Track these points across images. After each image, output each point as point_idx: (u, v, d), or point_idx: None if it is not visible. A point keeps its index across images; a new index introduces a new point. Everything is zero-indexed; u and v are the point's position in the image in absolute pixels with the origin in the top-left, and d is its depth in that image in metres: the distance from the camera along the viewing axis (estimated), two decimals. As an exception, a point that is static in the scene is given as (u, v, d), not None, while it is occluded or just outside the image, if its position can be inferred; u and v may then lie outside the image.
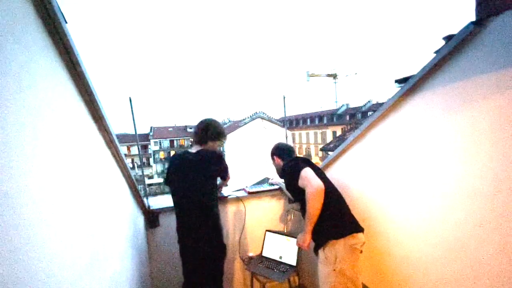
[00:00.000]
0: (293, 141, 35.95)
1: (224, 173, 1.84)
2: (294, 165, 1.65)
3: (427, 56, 1.21)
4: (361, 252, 1.49)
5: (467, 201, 1.12)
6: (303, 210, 1.65)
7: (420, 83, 1.26)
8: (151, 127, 37.70)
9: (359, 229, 1.52)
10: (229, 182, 2.02)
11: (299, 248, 1.95)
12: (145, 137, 36.48)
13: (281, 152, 1.93)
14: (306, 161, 1.72)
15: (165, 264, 2.05)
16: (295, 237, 2.02)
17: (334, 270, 1.45)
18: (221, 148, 1.97)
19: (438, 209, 1.26)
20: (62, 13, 0.79)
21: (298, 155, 1.98)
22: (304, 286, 2.40)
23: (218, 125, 1.84)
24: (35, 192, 0.63)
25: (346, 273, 1.44)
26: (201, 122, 1.83)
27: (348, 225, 1.52)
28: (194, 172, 1.69)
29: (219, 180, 1.89)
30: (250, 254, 2.25)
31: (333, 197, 1.58)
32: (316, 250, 1.58)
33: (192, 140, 1.88)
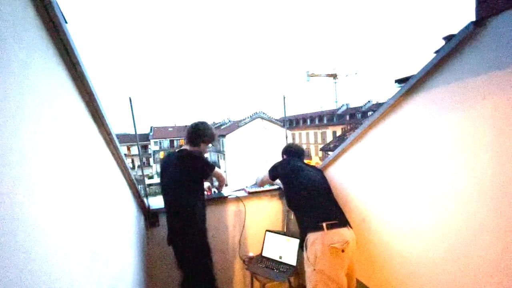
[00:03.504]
0: (293, 141, 35.88)
1: (205, 172, 1.81)
2: (273, 166, 1.98)
3: (427, 56, 1.21)
4: (342, 251, 1.49)
5: (467, 201, 1.12)
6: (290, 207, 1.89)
7: (420, 83, 1.26)
8: (151, 127, 37.69)
9: (340, 225, 1.55)
10: (229, 183, 2.04)
11: (299, 248, 1.96)
12: (145, 137, 36.48)
13: (289, 152, 2.09)
14: (287, 161, 1.96)
15: (165, 263, 2.05)
16: (295, 237, 2.03)
17: (314, 269, 1.50)
18: (209, 149, 2.09)
19: (437, 209, 1.25)
20: (62, 13, 0.79)
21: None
22: (304, 286, 2.39)
23: (209, 128, 1.91)
24: (35, 193, 0.63)
25: (326, 272, 1.48)
26: (193, 124, 1.89)
27: (326, 219, 1.55)
28: (175, 171, 1.75)
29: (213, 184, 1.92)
30: (250, 254, 2.24)
31: (313, 193, 1.69)
32: (302, 250, 1.65)
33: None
